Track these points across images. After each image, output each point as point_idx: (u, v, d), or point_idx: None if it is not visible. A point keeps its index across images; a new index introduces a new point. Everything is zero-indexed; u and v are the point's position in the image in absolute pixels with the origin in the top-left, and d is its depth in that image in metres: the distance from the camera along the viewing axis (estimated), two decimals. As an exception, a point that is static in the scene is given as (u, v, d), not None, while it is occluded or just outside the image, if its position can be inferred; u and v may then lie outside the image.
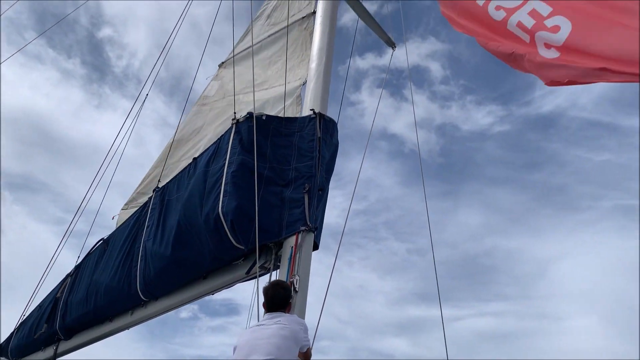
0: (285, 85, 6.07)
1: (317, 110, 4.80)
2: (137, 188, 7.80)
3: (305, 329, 3.32)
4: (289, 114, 5.84)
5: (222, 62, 8.65)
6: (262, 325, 3.25)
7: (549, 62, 3.49)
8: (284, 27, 7.15)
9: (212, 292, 4.80)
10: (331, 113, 4.98)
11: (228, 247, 4.25)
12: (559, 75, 3.46)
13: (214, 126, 7.32)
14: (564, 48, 3.41)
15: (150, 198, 6.01)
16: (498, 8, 4.03)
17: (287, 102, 6.02)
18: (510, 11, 3.90)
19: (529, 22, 3.71)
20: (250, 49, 7.75)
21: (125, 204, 7.71)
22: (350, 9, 6.54)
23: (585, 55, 3.23)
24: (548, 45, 3.53)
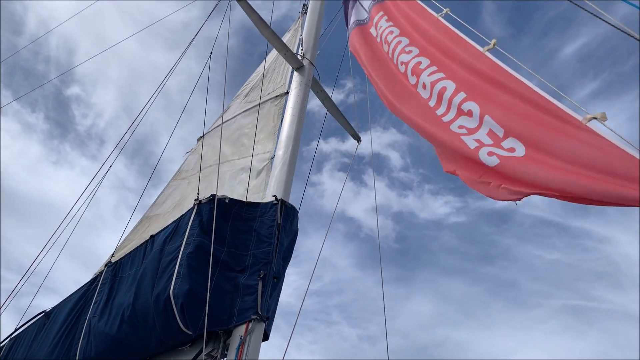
0: (252, 157, 6.16)
1: (279, 197, 4.86)
2: (115, 253, 7.58)
3: None
4: (257, 184, 5.88)
5: (201, 137, 8.80)
6: None
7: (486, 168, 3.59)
8: (258, 104, 7.39)
9: (154, 378, 4.57)
10: (294, 195, 5.06)
11: (175, 332, 4.10)
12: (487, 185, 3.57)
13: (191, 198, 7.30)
14: (507, 160, 3.51)
15: (101, 272, 5.82)
16: (461, 127, 4.14)
17: (254, 173, 6.09)
18: (471, 131, 4.03)
19: (488, 141, 3.83)
20: (226, 123, 7.98)
21: (103, 264, 7.44)
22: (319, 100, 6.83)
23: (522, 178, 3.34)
24: (490, 154, 3.64)
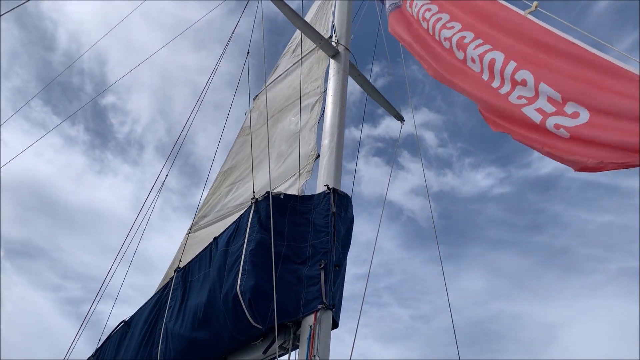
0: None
1: (331, 186, 4.90)
2: (198, 212, 7.91)
3: None
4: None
5: (256, 95, 9.01)
6: None
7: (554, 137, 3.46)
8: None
9: (232, 373, 4.74)
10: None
11: (246, 327, 4.24)
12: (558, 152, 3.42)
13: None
14: (576, 130, 3.35)
15: (171, 279, 6.07)
16: (520, 97, 4.00)
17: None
18: (531, 100, 3.87)
19: (550, 109, 3.68)
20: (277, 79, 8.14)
21: (189, 229, 7.79)
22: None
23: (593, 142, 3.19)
24: (558, 126, 3.49)
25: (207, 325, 4.67)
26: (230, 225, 5.24)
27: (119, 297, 7.59)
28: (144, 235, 7.56)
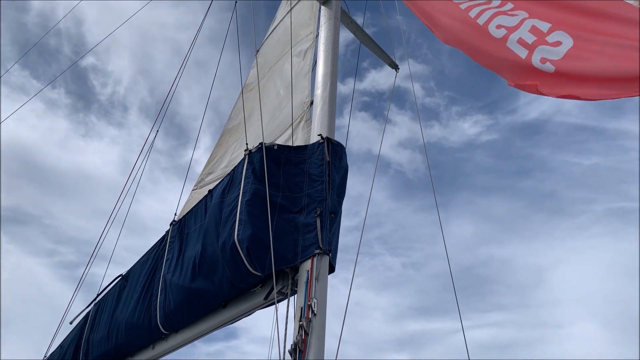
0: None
1: (324, 135, 4.91)
2: (204, 169, 7.97)
3: None
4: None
5: (257, 50, 8.93)
6: None
7: (541, 74, 3.50)
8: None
9: (233, 320, 4.86)
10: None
11: (245, 274, 4.32)
12: (550, 89, 3.46)
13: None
14: (562, 62, 3.41)
15: (167, 232, 6.13)
16: (499, 27, 4.04)
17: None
18: (511, 29, 3.91)
19: (530, 38, 3.72)
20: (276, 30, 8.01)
21: (195, 185, 7.86)
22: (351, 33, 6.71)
23: (581, 74, 3.23)
24: (544, 60, 3.54)
25: (205, 275, 4.74)
26: (225, 177, 5.26)
27: (112, 258, 7.68)
28: (135, 197, 7.58)
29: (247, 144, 5.09)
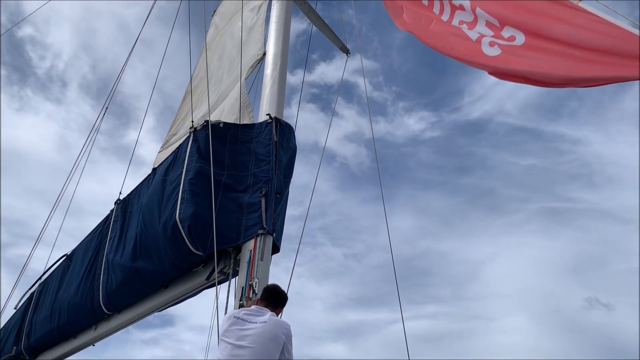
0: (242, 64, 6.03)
1: (273, 115, 4.85)
2: (169, 131, 7.79)
3: (289, 338, 3.22)
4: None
5: (214, 11, 8.81)
6: (244, 324, 3.24)
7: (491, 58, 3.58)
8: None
9: (175, 301, 4.80)
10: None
11: (186, 254, 4.25)
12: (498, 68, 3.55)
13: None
14: (507, 50, 3.50)
15: (112, 211, 5.98)
16: (461, 23, 4.10)
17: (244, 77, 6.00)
18: (470, 25, 3.97)
19: (488, 33, 3.79)
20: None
21: (161, 147, 7.67)
22: (304, 14, 6.62)
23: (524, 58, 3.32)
24: (492, 44, 3.63)
25: (147, 254, 4.65)
26: (169, 155, 5.14)
27: (43, 239, 7.45)
28: (72, 178, 7.35)
29: (192, 121, 4.99)
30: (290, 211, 4.64)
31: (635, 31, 2.81)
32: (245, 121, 5.36)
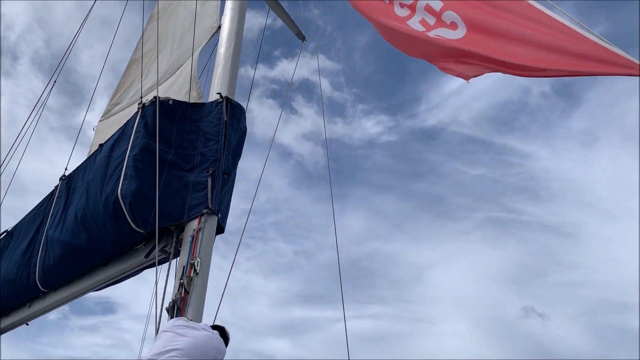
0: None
1: (224, 95, 4.77)
2: (112, 100, 7.51)
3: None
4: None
5: None
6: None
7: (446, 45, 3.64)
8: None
9: (114, 280, 4.68)
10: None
11: (127, 231, 4.15)
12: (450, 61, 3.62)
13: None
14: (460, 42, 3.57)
15: (56, 187, 5.79)
16: (402, 5, 4.15)
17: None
18: (412, 8, 4.03)
19: (431, 20, 3.85)
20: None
21: (102, 116, 7.38)
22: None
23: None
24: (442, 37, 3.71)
25: (87, 230, 4.52)
26: (116, 131, 5.01)
27: None
28: (15, 155, 7.07)
29: (141, 97, 4.86)
30: (243, 204, 4.56)
31: (582, 32, 2.89)
32: (195, 98, 5.25)
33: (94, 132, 7.25)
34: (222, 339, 3.17)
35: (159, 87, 5.08)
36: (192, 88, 5.29)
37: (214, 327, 3.38)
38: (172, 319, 3.43)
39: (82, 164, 5.46)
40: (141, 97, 4.90)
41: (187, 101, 4.94)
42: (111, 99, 7.41)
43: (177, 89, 5.65)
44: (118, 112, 6.85)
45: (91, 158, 5.29)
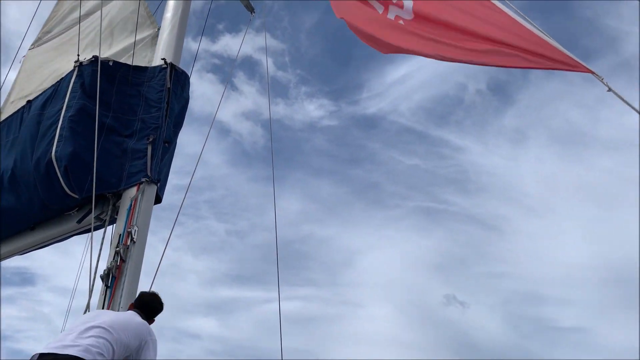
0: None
1: (169, 61, 4.63)
2: (44, 27, 6.94)
3: (154, 346, 2.97)
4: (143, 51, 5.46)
5: None
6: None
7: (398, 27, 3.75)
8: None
9: (41, 245, 4.48)
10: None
11: (60, 195, 3.97)
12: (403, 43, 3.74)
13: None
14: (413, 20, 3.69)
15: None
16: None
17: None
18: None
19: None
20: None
21: (32, 44, 6.79)
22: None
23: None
24: (398, 18, 3.81)
25: (14, 191, 4.28)
26: (48, 88, 4.73)
27: None
28: None
29: (78, 55, 4.61)
30: (176, 180, 4.44)
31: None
32: (139, 62, 5.06)
33: (21, 61, 6.75)
34: (144, 323, 3.04)
35: (99, 43, 4.84)
36: (136, 53, 5.09)
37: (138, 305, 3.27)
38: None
39: (6, 120, 5.11)
40: (78, 55, 4.64)
41: (130, 64, 4.74)
42: (43, 27, 6.92)
43: (119, 47, 5.40)
44: (49, 41, 6.43)
45: (16, 114, 4.96)
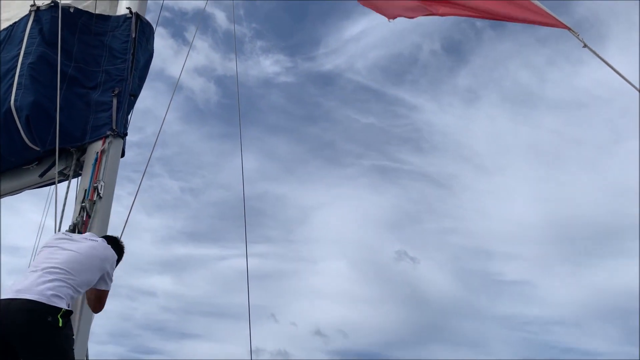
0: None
1: (134, 10, 4.43)
2: None
3: (113, 265, 3.14)
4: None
5: None
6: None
7: None
8: None
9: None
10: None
11: (19, 147, 3.79)
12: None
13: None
14: None
15: None
16: None
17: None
18: None
19: None
20: None
21: None
22: None
23: None
24: None
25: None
26: (1, 31, 4.43)
27: None
28: None
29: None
30: (129, 137, 4.25)
31: None
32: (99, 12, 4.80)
33: None
34: (109, 246, 3.15)
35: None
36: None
37: (107, 237, 3.30)
38: (54, 234, 3.29)
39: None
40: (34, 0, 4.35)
41: (93, 12, 4.50)
42: None
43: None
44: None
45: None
